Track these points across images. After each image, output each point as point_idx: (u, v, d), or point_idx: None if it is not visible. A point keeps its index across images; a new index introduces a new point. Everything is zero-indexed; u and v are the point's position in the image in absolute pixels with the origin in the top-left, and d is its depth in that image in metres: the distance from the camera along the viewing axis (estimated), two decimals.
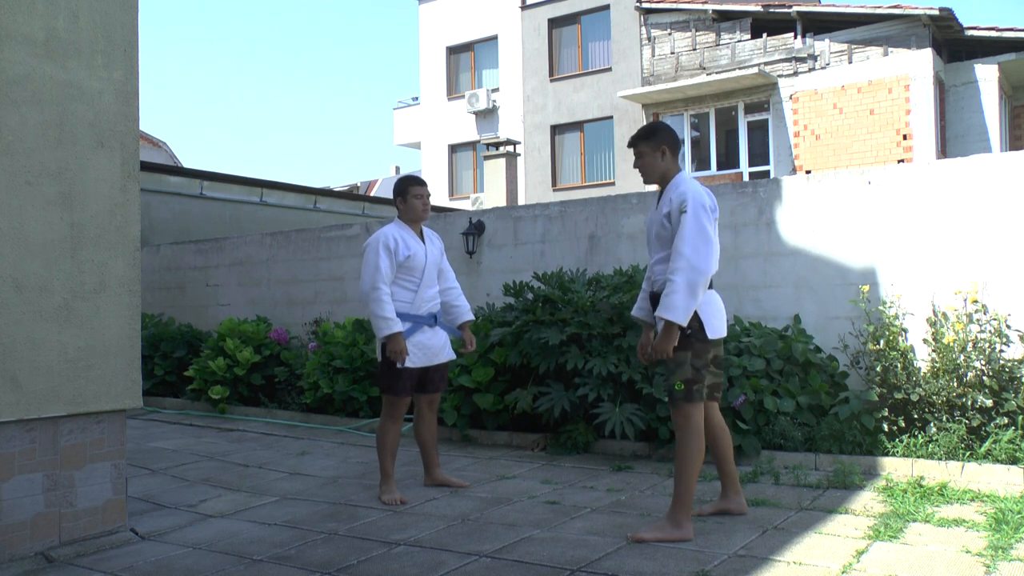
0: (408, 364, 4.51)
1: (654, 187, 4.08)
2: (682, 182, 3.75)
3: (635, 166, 3.87)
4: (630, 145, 3.91)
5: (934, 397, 4.98)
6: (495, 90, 21.95)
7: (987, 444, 4.67)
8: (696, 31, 18.40)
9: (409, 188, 4.69)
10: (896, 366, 5.22)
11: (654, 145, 3.80)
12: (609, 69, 19.77)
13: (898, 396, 5.13)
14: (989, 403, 4.84)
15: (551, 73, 20.85)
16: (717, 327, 3.74)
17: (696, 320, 3.66)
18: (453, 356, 4.83)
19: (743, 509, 4.00)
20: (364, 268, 4.54)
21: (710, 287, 3.76)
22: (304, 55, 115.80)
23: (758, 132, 17.68)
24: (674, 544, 3.56)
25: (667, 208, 3.71)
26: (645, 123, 18.72)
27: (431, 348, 4.64)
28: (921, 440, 4.87)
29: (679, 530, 3.62)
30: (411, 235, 4.66)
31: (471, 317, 4.95)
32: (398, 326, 4.43)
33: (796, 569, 3.22)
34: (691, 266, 3.55)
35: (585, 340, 5.73)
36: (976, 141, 15.83)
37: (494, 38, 22.13)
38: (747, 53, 17.67)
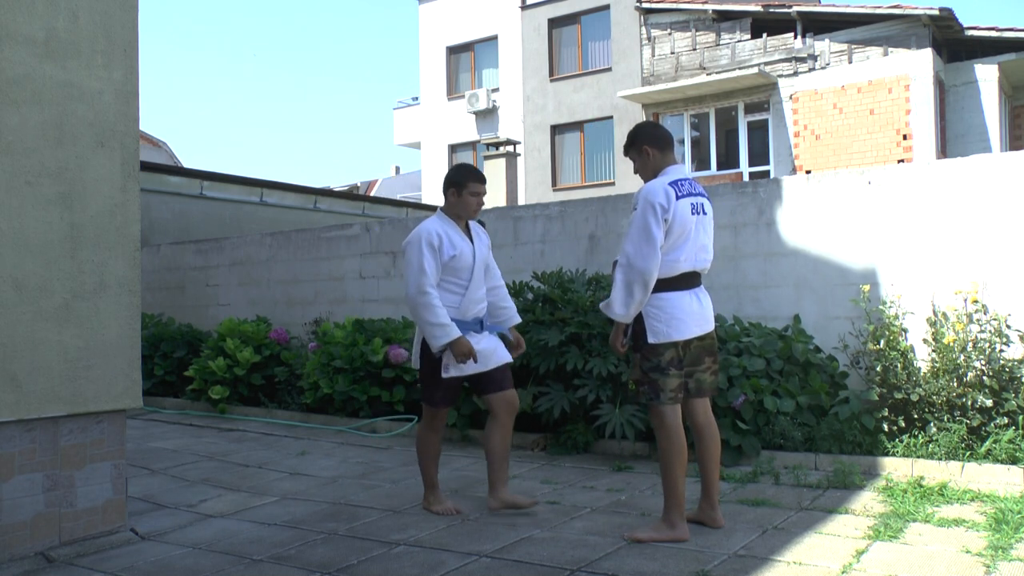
0: (457, 373, 4.07)
1: None
2: (652, 181, 3.74)
3: (635, 172, 3.91)
4: (624, 155, 3.97)
5: (934, 397, 4.98)
6: (495, 90, 21.95)
7: (987, 444, 4.67)
8: (696, 31, 18.40)
9: (468, 183, 4.15)
10: (896, 366, 5.22)
11: (637, 150, 3.86)
12: (609, 69, 19.77)
13: (898, 396, 5.13)
14: (989, 403, 4.84)
15: (551, 73, 20.85)
16: (663, 332, 3.61)
17: (639, 323, 3.67)
18: (509, 358, 4.26)
19: (716, 523, 3.77)
20: (407, 270, 4.04)
21: (693, 287, 3.73)
22: (304, 55, 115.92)
23: (758, 132, 17.68)
24: (674, 544, 3.56)
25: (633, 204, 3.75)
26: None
27: (481, 353, 4.10)
28: (921, 440, 4.87)
29: (672, 530, 3.62)
30: (456, 231, 4.15)
31: (519, 320, 4.48)
32: (456, 331, 3.96)
33: (796, 569, 3.22)
34: (629, 264, 3.58)
35: (585, 340, 5.73)
36: (976, 141, 15.83)
37: (494, 38, 22.13)
38: (747, 53, 17.67)
